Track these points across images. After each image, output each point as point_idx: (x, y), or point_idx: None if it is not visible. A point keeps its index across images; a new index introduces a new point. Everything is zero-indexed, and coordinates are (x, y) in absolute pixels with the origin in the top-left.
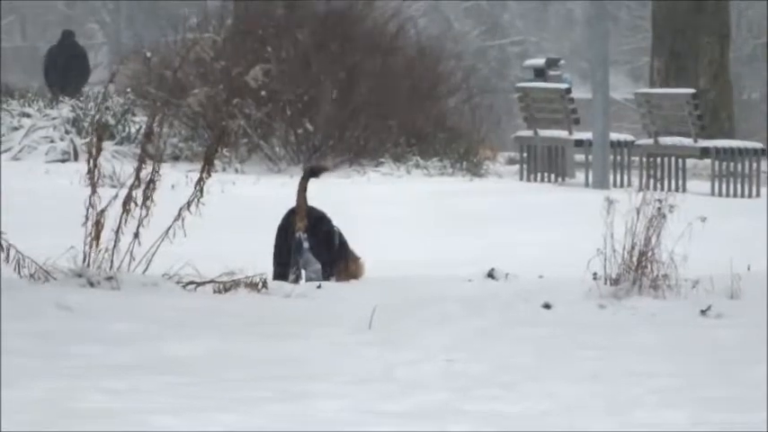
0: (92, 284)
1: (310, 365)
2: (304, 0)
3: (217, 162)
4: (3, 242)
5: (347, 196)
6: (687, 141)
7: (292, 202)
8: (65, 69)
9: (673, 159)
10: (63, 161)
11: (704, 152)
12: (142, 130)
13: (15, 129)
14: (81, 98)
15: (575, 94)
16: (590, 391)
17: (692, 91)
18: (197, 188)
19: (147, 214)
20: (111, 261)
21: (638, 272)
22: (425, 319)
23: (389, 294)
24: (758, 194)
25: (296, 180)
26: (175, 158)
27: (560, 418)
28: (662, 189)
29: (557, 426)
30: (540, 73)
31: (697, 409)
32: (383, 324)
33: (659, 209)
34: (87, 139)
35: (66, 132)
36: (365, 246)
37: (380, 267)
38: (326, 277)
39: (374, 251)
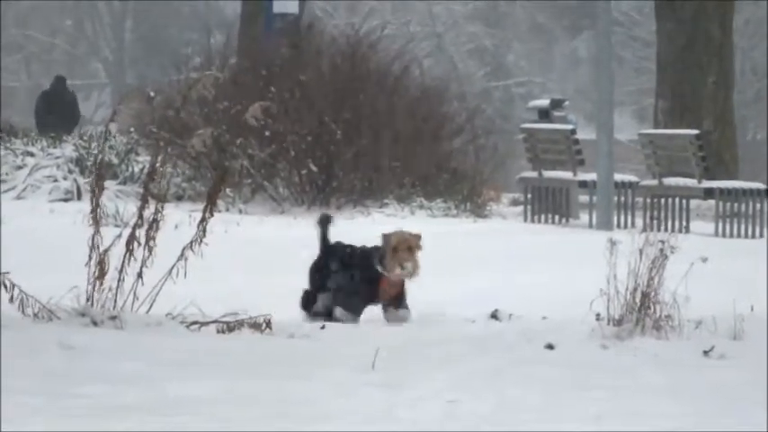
0: (95, 324)
1: (314, 406)
2: (308, 40)
3: (220, 202)
4: (6, 281)
5: (351, 237)
6: (691, 182)
7: (295, 243)
8: (55, 114)
9: (677, 200)
10: (66, 200)
11: (708, 193)
12: (145, 170)
13: (19, 167)
14: (85, 137)
15: (579, 135)
16: None
17: (695, 132)
18: (200, 228)
19: (150, 254)
20: (115, 301)
21: (641, 312)
22: (429, 359)
23: (393, 335)
24: (762, 235)
25: (300, 221)
26: (179, 198)
27: None
28: (665, 230)
29: None
30: (544, 114)
31: None
32: (387, 364)
33: (662, 249)
34: (90, 179)
35: (70, 171)
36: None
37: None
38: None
39: None
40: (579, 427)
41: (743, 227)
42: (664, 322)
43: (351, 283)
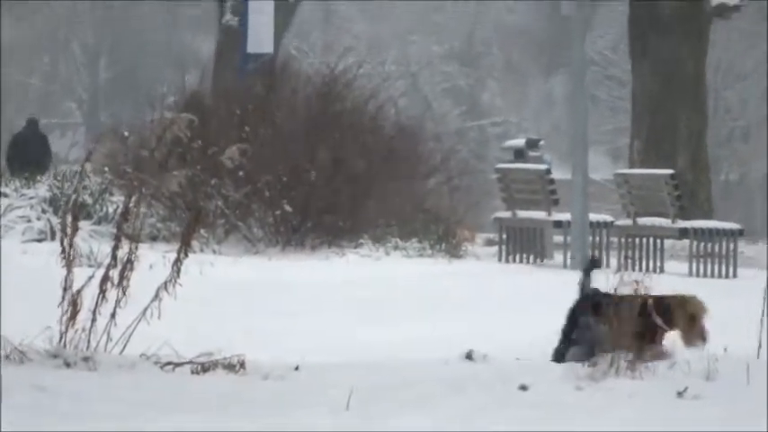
0: (68, 365)
1: None
2: (283, 79)
3: (194, 243)
4: None
5: (326, 278)
6: (665, 222)
7: (269, 284)
8: (27, 157)
9: (651, 240)
10: (40, 240)
11: (682, 233)
12: (119, 210)
13: None
14: (59, 177)
15: (554, 175)
16: None
17: (670, 172)
18: (174, 268)
19: (124, 294)
20: (88, 341)
21: (615, 353)
22: (404, 400)
23: (367, 376)
24: (735, 275)
25: (274, 262)
26: (153, 238)
27: None
28: (640, 270)
29: None
30: (519, 153)
31: None
32: (362, 405)
33: (636, 290)
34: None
35: (43, 212)
36: (343, 327)
37: (359, 349)
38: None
39: (352, 333)
40: None
41: (717, 267)
42: (638, 363)
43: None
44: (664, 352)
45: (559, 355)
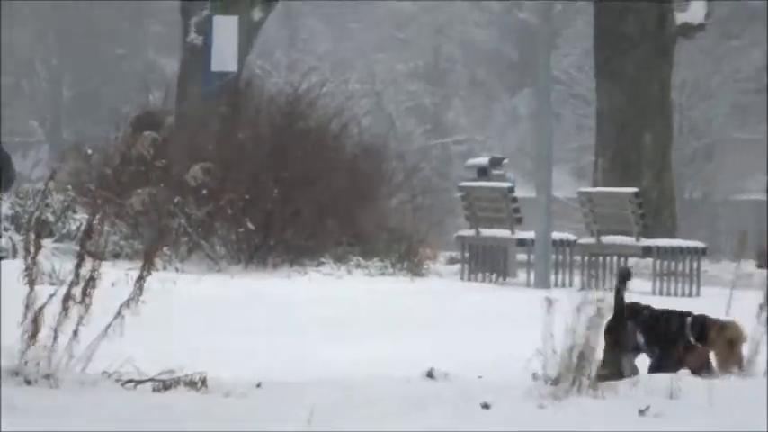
0: (29, 383)
1: None
2: (247, 98)
3: (157, 260)
4: None
5: (288, 296)
6: (629, 240)
7: (231, 301)
8: None
9: (615, 258)
10: (1, 258)
11: (646, 251)
12: (82, 228)
13: None
14: (21, 195)
15: (518, 193)
16: None
17: (634, 190)
18: (137, 286)
19: (86, 312)
20: (50, 359)
21: (578, 372)
22: (366, 418)
23: (329, 394)
24: (698, 294)
25: (236, 280)
26: (116, 256)
27: None
28: (603, 288)
29: None
30: (483, 172)
31: None
32: (323, 423)
33: (599, 308)
34: (24, 237)
35: (5, 229)
36: (305, 345)
37: (321, 367)
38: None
39: (314, 351)
40: None
41: (680, 285)
42: (600, 381)
43: (661, 350)
44: (711, 369)
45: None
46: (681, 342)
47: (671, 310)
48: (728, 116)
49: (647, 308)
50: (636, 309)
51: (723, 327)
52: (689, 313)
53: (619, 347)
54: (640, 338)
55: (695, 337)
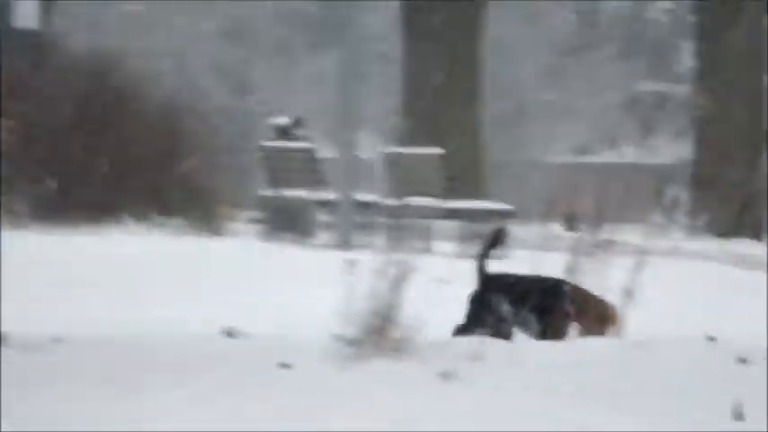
0: None
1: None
2: (49, 57)
3: None
4: None
5: (86, 254)
6: (434, 202)
7: (31, 258)
8: None
9: (419, 220)
10: None
11: (451, 213)
12: None
13: None
14: None
15: (321, 154)
16: None
17: (440, 151)
18: None
19: None
20: None
21: (379, 334)
22: (164, 375)
23: (126, 351)
24: (506, 257)
25: (36, 237)
26: None
27: None
28: (407, 250)
29: None
30: (285, 132)
31: None
32: (119, 379)
33: (402, 270)
34: None
35: None
36: (104, 304)
37: (119, 325)
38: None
39: (112, 309)
40: None
41: None
42: (402, 344)
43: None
44: (559, 335)
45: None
46: (559, 311)
47: (542, 278)
48: (539, 77)
49: (515, 276)
50: (502, 278)
51: (597, 303)
52: (563, 281)
53: (484, 318)
54: (509, 309)
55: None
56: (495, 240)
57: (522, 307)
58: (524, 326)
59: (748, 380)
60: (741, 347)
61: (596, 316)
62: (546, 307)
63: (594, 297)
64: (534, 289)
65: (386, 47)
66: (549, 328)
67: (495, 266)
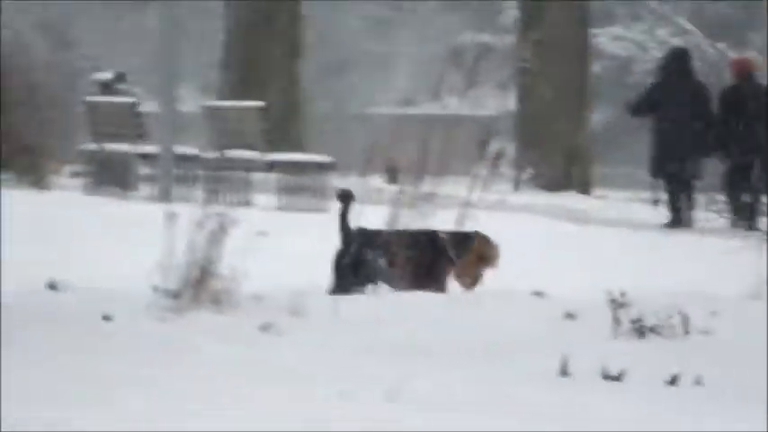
0: None
1: None
2: None
3: None
4: None
5: None
6: (254, 155)
7: None
8: None
9: (239, 173)
10: None
11: (271, 166)
12: None
13: None
14: None
15: (143, 108)
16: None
17: (260, 104)
18: None
19: None
20: None
21: (199, 286)
22: None
23: None
24: (326, 209)
25: None
26: None
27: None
28: (227, 203)
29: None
30: (107, 87)
31: (255, 425)
32: None
33: (222, 223)
34: None
35: None
36: None
37: None
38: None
39: None
40: (126, 395)
41: (306, 201)
42: (222, 296)
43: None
44: (442, 286)
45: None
46: (441, 260)
47: (413, 231)
48: (364, 29)
49: (384, 231)
50: (368, 234)
51: (485, 242)
52: (439, 231)
53: (351, 276)
54: (381, 264)
55: (456, 253)
56: (346, 198)
57: (394, 261)
58: (393, 280)
59: (575, 335)
60: (569, 302)
61: (482, 255)
62: (419, 259)
63: (482, 235)
64: (405, 242)
65: (207, 2)
66: (424, 281)
67: (315, 219)
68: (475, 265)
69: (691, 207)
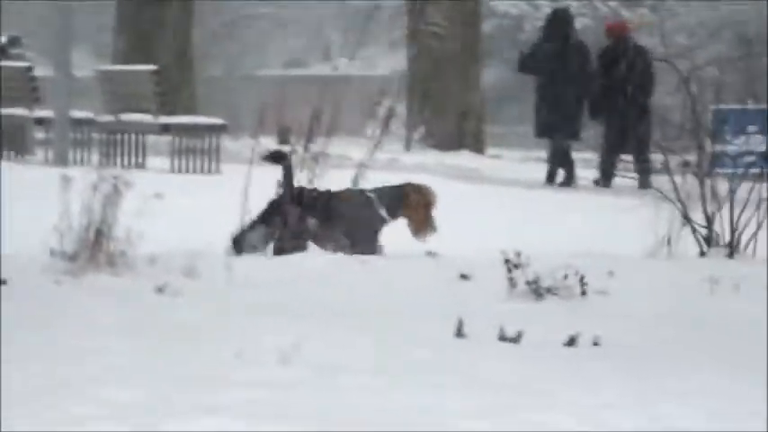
0: None
1: None
2: None
3: None
4: None
5: None
6: (147, 118)
7: None
8: None
9: (133, 136)
10: None
11: (165, 128)
12: None
13: None
14: None
15: (37, 72)
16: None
17: (153, 68)
18: None
19: None
20: None
21: (95, 249)
22: None
23: None
24: (218, 171)
25: None
26: None
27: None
28: (122, 166)
29: None
30: (1, 51)
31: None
32: None
33: (116, 185)
34: None
35: None
36: None
37: None
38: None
39: None
40: (21, 358)
41: (199, 163)
42: (118, 259)
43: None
44: (373, 247)
45: (241, 240)
46: (372, 220)
47: (349, 190)
48: None
49: (315, 191)
50: (307, 191)
51: (419, 190)
52: (360, 191)
53: (273, 223)
54: (312, 219)
55: (388, 210)
56: (282, 159)
57: (327, 221)
58: (323, 241)
59: (471, 296)
60: (464, 263)
61: (420, 205)
62: (352, 219)
63: (413, 185)
64: (335, 202)
65: None
66: (357, 242)
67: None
68: (424, 214)
69: (571, 166)
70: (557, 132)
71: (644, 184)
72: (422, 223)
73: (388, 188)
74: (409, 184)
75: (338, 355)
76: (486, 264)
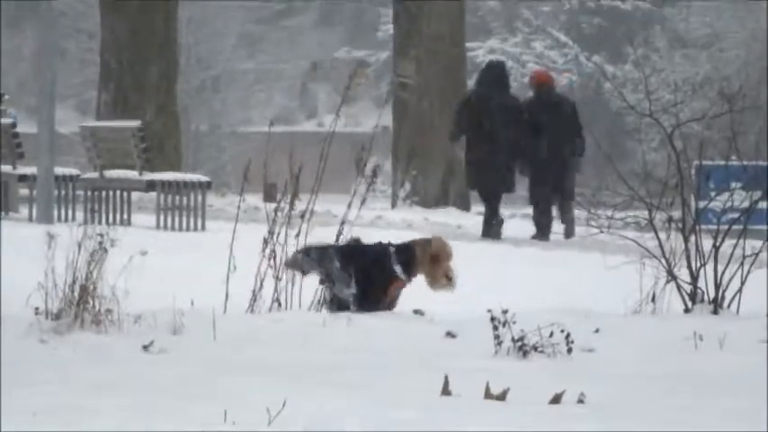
0: None
1: None
2: None
3: None
4: None
5: None
6: (132, 174)
7: None
8: None
9: (118, 193)
10: None
11: (150, 185)
12: None
13: None
14: None
15: (21, 129)
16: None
17: (136, 124)
18: None
19: None
20: None
21: (80, 307)
22: None
23: None
24: (204, 228)
25: None
26: None
27: None
28: (107, 223)
29: None
30: None
31: None
32: None
33: (101, 243)
34: None
35: None
36: None
37: None
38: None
39: None
40: (19, 426)
41: (185, 219)
42: (103, 316)
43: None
44: (391, 301)
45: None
46: (385, 275)
47: (380, 244)
48: (236, 47)
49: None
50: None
51: (427, 244)
52: (389, 243)
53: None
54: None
55: (403, 266)
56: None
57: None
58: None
59: (457, 354)
60: (450, 321)
61: (429, 257)
62: (368, 275)
63: (422, 240)
64: (355, 256)
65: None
66: (370, 296)
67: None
68: (440, 267)
69: (498, 219)
70: (488, 185)
71: (569, 233)
72: (436, 277)
73: (402, 245)
74: (423, 240)
75: (325, 414)
76: (472, 321)
